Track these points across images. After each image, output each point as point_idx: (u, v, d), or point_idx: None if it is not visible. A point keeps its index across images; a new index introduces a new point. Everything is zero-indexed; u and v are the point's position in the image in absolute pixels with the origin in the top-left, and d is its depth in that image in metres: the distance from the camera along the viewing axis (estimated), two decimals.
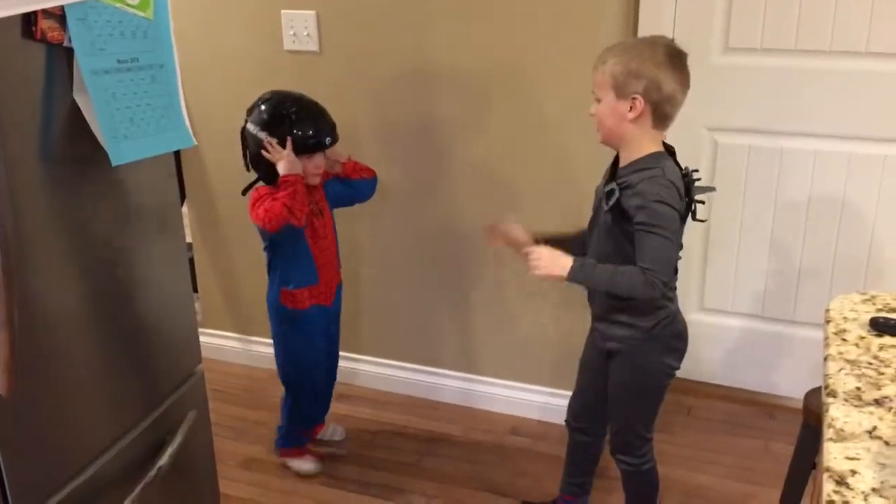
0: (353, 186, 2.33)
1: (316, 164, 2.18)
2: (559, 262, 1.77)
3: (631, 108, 1.72)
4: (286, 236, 2.17)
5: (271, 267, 2.28)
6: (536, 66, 2.32)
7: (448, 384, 2.80)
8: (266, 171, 2.16)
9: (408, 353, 2.84)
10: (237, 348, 3.08)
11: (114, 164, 1.39)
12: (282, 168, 2.09)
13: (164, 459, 1.62)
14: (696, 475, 2.37)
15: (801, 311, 2.60)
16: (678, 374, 1.95)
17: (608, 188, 1.79)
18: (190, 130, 1.57)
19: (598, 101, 1.77)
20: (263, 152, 2.11)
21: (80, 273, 1.44)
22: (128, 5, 1.41)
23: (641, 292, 1.73)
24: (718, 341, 2.75)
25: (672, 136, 2.54)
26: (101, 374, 1.51)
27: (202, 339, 1.85)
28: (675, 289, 1.86)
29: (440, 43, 2.41)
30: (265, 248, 2.27)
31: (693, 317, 2.72)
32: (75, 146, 1.38)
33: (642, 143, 1.77)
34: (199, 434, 1.82)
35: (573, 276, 1.77)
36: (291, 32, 2.54)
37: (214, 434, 1.93)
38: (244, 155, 2.21)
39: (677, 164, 1.80)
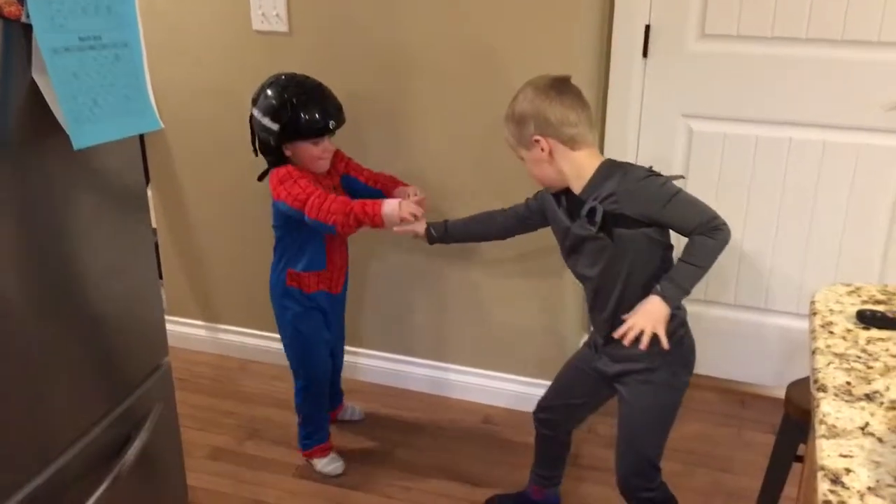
0: (374, 195, 2.24)
1: (323, 149, 2.13)
2: (654, 308, 1.65)
3: (541, 149, 1.75)
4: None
5: (279, 246, 2.23)
6: (512, 49, 2.28)
7: (419, 373, 2.77)
8: (275, 155, 2.13)
9: (378, 342, 2.81)
10: (203, 336, 3.02)
11: (76, 147, 1.32)
12: (387, 208, 2.01)
13: (129, 455, 1.56)
14: (670, 464, 2.36)
15: (774, 300, 2.61)
16: None
17: (585, 210, 1.73)
18: (156, 112, 1.51)
19: (523, 159, 1.83)
20: (404, 224, 2.05)
21: (41, 261, 1.37)
22: None
23: (719, 240, 1.64)
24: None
25: (646, 122, 2.54)
26: (64, 368, 1.45)
27: (167, 326, 1.80)
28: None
29: (412, 25, 2.36)
30: (275, 226, 2.22)
31: None
32: (35, 129, 1.31)
33: (580, 167, 1.77)
34: (166, 427, 1.77)
35: (672, 300, 1.66)
36: (260, 12, 2.47)
37: (180, 425, 1.88)
38: (252, 141, 2.17)
39: None
